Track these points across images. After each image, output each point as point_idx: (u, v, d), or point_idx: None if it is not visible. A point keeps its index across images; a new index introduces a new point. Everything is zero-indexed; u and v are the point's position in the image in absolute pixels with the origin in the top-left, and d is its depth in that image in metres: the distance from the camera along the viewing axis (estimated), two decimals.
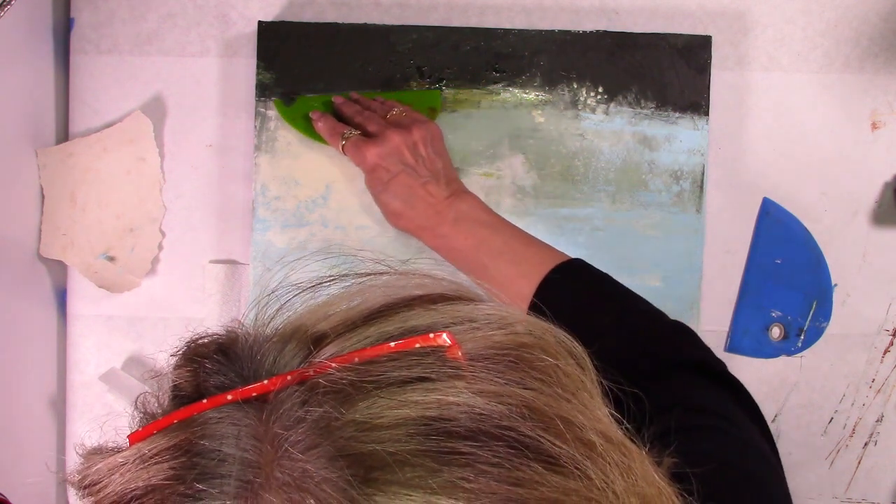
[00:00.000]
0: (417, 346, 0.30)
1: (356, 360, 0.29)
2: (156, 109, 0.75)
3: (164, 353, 0.33)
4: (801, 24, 0.76)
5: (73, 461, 0.32)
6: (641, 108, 0.75)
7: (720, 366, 0.57)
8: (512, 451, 0.28)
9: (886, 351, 0.77)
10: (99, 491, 0.30)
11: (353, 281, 0.36)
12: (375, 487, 0.27)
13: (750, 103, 0.76)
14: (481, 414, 0.28)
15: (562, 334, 0.33)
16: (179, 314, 0.75)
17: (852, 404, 0.77)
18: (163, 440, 0.29)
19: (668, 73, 0.75)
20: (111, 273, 0.74)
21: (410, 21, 0.75)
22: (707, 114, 0.75)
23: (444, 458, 0.27)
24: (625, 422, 0.33)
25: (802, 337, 0.76)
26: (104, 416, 0.73)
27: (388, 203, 0.68)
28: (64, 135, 0.76)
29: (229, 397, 0.29)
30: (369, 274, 0.36)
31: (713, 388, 0.54)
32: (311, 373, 0.29)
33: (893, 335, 0.77)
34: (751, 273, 0.76)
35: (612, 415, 0.33)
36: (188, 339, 0.33)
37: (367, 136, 0.68)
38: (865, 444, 0.77)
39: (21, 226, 0.72)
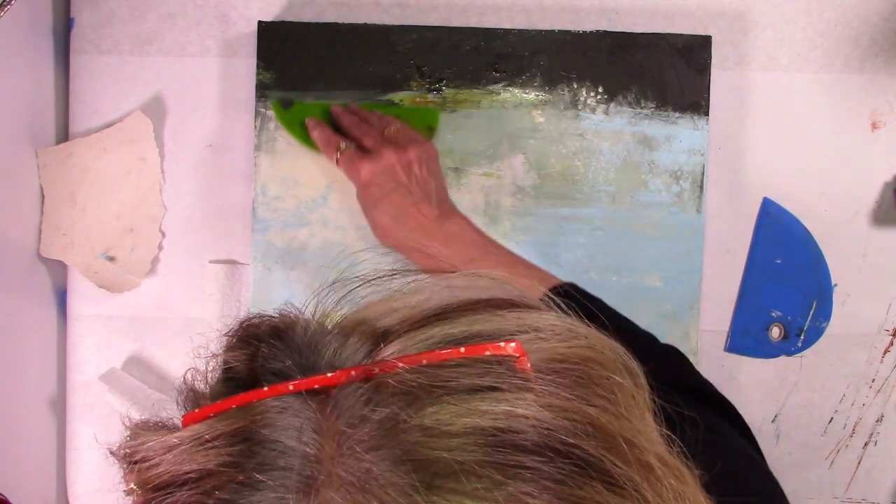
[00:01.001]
0: (487, 353, 0.29)
1: (424, 361, 0.29)
2: (156, 109, 0.75)
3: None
4: (801, 24, 0.76)
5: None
6: (641, 108, 0.75)
7: (708, 386, 0.57)
8: (576, 468, 0.27)
9: (886, 351, 0.77)
10: (149, 469, 0.28)
11: (414, 277, 0.35)
12: (440, 496, 0.26)
13: (750, 103, 0.76)
14: (548, 429, 0.27)
15: (620, 349, 0.32)
16: (179, 314, 0.75)
17: (852, 404, 0.77)
18: (221, 424, 0.28)
19: (668, 73, 0.75)
20: (111, 273, 0.74)
21: (410, 21, 0.75)
22: (707, 114, 0.75)
23: (510, 472, 0.26)
24: (679, 442, 0.32)
25: (802, 337, 0.76)
26: (106, 416, 0.73)
27: (377, 219, 0.67)
28: (64, 135, 0.76)
29: (291, 387, 0.28)
30: (433, 271, 0.35)
31: (697, 403, 0.54)
32: (377, 370, 0.28)
33: (893, 335, 0.77)
34: (751, 273, 0.76)
35: (665, 435, 0.32)
36: (241, 320, 0.32)
37: (362, 150, 0.68)
38: (865, 444, 0.77)
39: (21, 226, 0.72)
